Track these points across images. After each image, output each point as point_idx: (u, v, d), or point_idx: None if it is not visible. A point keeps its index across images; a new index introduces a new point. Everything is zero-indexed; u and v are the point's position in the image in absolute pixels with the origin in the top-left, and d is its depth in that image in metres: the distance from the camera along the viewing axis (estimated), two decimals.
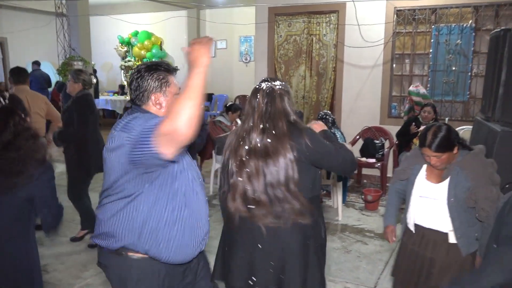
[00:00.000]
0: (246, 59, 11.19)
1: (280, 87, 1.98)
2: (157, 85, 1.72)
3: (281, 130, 1.87)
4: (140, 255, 1.70)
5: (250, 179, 1.86)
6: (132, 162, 1.56)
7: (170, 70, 1.77)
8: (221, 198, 2.05)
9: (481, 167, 2.15)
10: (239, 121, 5.92)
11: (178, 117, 1.30)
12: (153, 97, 1.72)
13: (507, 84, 3.14)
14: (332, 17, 6.25)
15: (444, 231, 2.21)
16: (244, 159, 1.89)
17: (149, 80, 1.72)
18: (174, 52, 11.28)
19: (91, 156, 3.72)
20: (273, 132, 1.87)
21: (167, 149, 1.37)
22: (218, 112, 9.67)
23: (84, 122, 3.69)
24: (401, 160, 2.43)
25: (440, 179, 2.21)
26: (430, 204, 2.24)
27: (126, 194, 1.65)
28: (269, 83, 1.98)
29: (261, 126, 1.89)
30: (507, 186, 2.84)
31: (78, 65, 7.54)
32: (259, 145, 1.87)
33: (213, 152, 5.59)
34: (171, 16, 10.45)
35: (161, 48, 11.22)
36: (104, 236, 1.73)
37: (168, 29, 11.26)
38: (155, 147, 1.40)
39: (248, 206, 1.90)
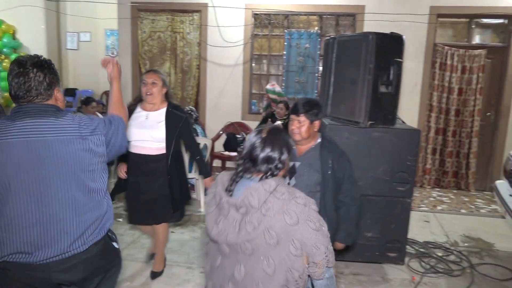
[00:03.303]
0: (113, 53, 10.74)
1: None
2: (57, 79, 1.74)
3: None
4: None
5: None
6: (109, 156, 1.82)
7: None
8: None
9: None
10: (99, 114, 5.74)
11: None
12: (55, 92, 1.73)
13: (335, 85, 3.70)
14: (195, 17, 6.46)
15: None
16: None
17: (52, 74, 1.71)
18: (30, 42, 10.33)
19: None
20: None
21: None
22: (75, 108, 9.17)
23: None
24: None
25: None
26: None
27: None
28: None
29: None
30: None
31: None
32: None
33: None
34: (22, 4, 9.55)
35: (14, 37, 10.17)
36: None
37: (22, 18, 10.24)
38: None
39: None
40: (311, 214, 1.51)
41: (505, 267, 3.76)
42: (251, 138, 1.58)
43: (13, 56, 9.71)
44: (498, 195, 3.82)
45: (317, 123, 2.49)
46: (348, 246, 2.60)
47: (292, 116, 2.49)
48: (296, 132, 2.46)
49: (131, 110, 3.11)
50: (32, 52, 7.43)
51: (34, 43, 10.26)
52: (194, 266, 3.59)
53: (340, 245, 2.55)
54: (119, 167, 3.27)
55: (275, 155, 1.54)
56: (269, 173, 1.53)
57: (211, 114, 6.58)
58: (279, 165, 1.55)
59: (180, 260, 3.68)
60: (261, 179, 1.52)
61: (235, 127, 6.37)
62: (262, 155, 1.54)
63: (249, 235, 1.45)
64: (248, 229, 1.45)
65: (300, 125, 2.45)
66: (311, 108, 2.45)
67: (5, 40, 9.76)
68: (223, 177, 1.64)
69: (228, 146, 6.16)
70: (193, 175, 4.92)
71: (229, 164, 6.41)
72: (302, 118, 2.44)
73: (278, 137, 1.57)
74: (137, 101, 3.25)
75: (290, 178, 2.49)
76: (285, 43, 6.37)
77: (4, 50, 9.63)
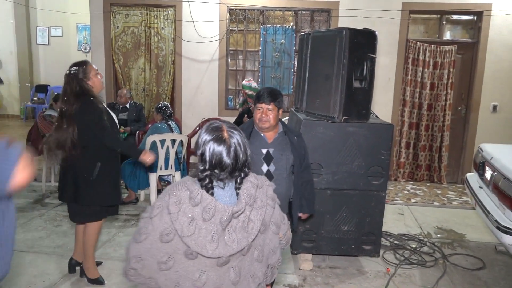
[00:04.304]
0: (85, 49, 10.56)
1: None
2: None
3: None
4: None
5: None
6: None
7: None
8: None
9: None
10: None
11: None
12: None
13: (310, 80, 3.72)
14: (169, 11, 6.38)
15: None
16: None
17: None
18: (0, 37, 10.03)
19: None
20: None
21: None
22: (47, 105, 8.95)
23: None
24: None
25: None
26: None
27: None
28: None
29: None
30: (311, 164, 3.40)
31: None
32: None
33: (44, 148, 5.22)
34: None
35: None
36: None
37: None
38: None
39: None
40: (274, 194, 1.57)
41: (476, 257, 3.88)
42: (216, 149, 1.40)
43: None
44: (468, 187, 3.94)
45: (281, 111, 2.69)
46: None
47: (261, 105, 2.60)
48: (266, 120, 2.60)
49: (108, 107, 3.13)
50: (1, 48, 7.19)
51: (2, 38, 9.96)
52: None
53: (305, 215, 2.88)
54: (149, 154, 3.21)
55: (245, 157, 1.45)
56: (243, 175, 1.46)
57: (187, 110, 6.52)
58: (250, 163, 1.49)
59: None
60: (236, 182, 1.44)
61: None
62: (233, 162, 1.41)
63: (250, 236, 1.41)
64: (249, 230, 1.41)
65: (270, 113, 2.60)
66: (277, 96, 2.64)
67: None
68: (182, 195, 1.40)
69: None
70: (169, 172, 4.88)
71: None
72: (272, 106, 2.60)
73: (240, 139, 1.44)
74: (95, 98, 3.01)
75: (269, 165, 2.62)
76: (261, 39, 6.37)
77: None
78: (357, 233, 3.58)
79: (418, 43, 6.12)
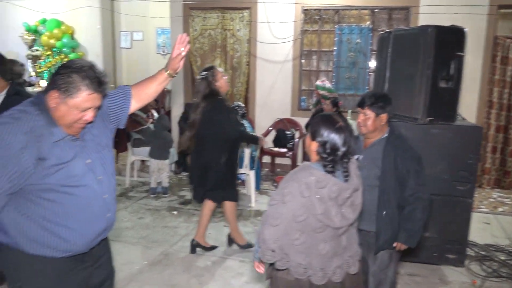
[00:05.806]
0: (163, 52, 11.07)
1: None
2: (64, 85, 1.57)
3: None
4: None
5: None
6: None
7: (94, 85, 1.62)
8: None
9: None
10: (155, 113, 5.96)
11: None
12: (51, 93, 1.59)
13: (391, 80, 3.61)
14: (245, 14, 6.50)
15: None
16: None
17: (62, 76, 1.57)
18: (87, 42, 10.84)
19: None
20: None
21: None
22: None
23: None
24: None
25: None
26: None
27: None
28: None
29: None
30: None
31: None
32: None
33: (128, 144, 5.59)
34: (81, 5, 10.03)
35: (72, 38, 10.70)
36: None
37: (80, 19, 10.74)
38: None
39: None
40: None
41: None
42: (336, 138, 1.72)
43: (72, 55, 10.24)
44: None
45: (383, 116, 2.42)
46: (410, 248, 2.49)
47: (358, 109, 2.49)
48: (362, 125, 2.46)
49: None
50: (89, 52, 7.75)
51: (90, 42, 10.73)
52: (247, 260, 3.63)
53: (401, 246, 2.45)
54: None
55: (352, 144, 1.77)
56: (349, 159, 1.77)
57: (261, 111, 6.61)
58: (353, 149, 1.80)
59: (233, 254, 3.74)
60: (343, 165, 1.75)
61: (285, 123, 6.36)
62: (347, 148, 1.74)
63: (358, 209, 1.78)
64: (356, 204, 1.77)
65: (366, 118, 2.43)
66: (376, 100, 2.42)
67: (64, 40, 10.29)
68: (309, 180, 1.68)
69: (277, 142, 6.16)
70: (244, 170, 4.97)
71: (278, 160, 6.43)
72: (368, 111, 2.42)
73: (349, 128, 1.76)
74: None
75: None
76: (336, 39, 6.27)
77: (64, 49, 10.16)
78: (440, 240, 3.41)
79: (507, 40, 5.68)
